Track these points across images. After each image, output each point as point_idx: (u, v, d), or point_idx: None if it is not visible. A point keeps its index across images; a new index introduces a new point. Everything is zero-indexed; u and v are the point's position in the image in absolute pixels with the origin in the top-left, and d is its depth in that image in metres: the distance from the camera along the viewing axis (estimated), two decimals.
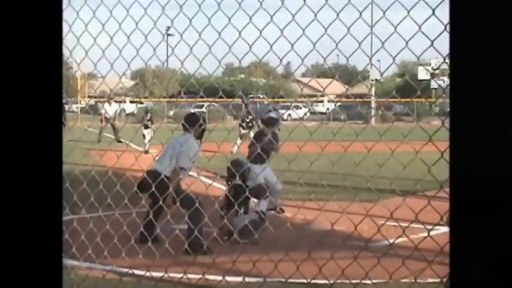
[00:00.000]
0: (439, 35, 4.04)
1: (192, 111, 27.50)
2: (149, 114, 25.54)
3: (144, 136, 22.97)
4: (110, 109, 28.30)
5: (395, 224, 5.25)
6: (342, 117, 47.91)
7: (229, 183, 8.50)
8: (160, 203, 6.27)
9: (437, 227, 4.68)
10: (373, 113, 50.16)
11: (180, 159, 8.18)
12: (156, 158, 8.47)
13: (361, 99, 54.39)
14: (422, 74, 54.52)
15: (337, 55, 4.60)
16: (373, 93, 57.04)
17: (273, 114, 10.71)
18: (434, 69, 49.46)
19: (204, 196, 6.10)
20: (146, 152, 18.46)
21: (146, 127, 24.19)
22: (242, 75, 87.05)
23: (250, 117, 19.74)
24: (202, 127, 8.31)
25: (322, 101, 62.44)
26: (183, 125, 8.50)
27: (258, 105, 53.14)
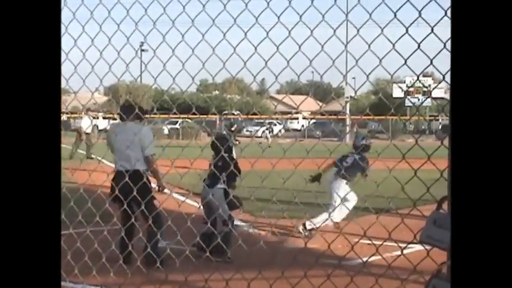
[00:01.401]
0: (412, 53, 4.05)
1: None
2: None
3: None
4: (86, 124, 28.04)
5: (369, 242, 5.22)
6: (317, 134, 47.99)
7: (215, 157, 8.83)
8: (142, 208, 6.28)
9: (411, 245, 4.66)
10: (347, 130, 50.40)
11: (149, 147, 8.61)
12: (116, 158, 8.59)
13: (335, 117, 54.61)
14: (397, 92, 55.07)
15: (312, 72, 4.59)
16: (347, 111, 57.36)
17: (365, 141, 11.02)
18: (408, 87, 49.92)
19: (177, 213, 6.03)
20: None
21: None
22: (216, 92, 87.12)
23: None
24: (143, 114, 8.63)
25: (297, 118, 62.54)
26: (120, 115, 8.99)
27: (234, 122, 53.27)
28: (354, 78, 39.11)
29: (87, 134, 27.63)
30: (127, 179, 6.22)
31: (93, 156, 23.41)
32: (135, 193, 5.67)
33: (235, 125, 24.10)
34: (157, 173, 8.63)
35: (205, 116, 45.90)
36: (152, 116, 27.24)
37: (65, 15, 4.83)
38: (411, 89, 53.56)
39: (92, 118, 28.88)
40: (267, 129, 45.88)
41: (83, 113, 29.08)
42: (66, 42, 4.86)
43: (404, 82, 50.35)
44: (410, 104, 51.43)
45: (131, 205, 6.52)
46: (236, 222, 9.59)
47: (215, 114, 53.82)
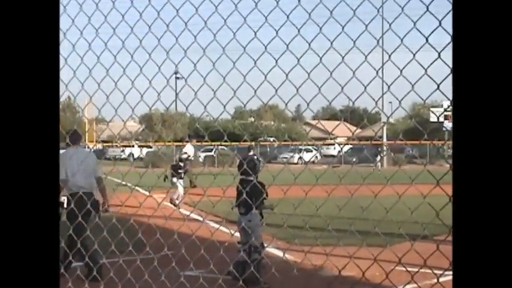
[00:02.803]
0: (445, 78, 3.99)
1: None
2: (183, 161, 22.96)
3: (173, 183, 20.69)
4: (191, 151, 27.63)
5: (404, 269, 5.13)
6: (354, 160, 47.53)
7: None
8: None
9: (447, 273, 4.57)
10: (383, 156, 49.92)
11: (98, 170, 9.63)
12: (66, 178, 9.29)
13: (370, 142, 54.21)
14: (434, 117, 54.47)
15: (348, 98, 4.55)
16: (384, 136, 57.01)
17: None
18: (444, 111, 49.45)
19: (210, 242, 6.00)
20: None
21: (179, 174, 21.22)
22: (252, 118, 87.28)
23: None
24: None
25: (333, 144, 62.19)
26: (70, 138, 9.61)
27: (268, 149, 53.12)
28: (390, 102, 38.95)
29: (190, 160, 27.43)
30: (80, 198, 7.09)
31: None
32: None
33: (186, 153, 23.84)
34: (105, 192, 9.52)
35: (238, 142, 46.03)
36: (184, 143, 27.34)
37: (97, 43, 4.88)
38: (448, 113, 53.08)
39: (194, 146, 28.60)
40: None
41: (185, 142, 28.59)
42: (98, 72, 4.90)
43: (442, 106, 49.80)
44: (447, 129, 50.95)
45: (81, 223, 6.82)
46: (270, 249, 9.54)
47: (249, 141, 53.88)
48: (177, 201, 19.65)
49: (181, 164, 21.88)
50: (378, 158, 46.57)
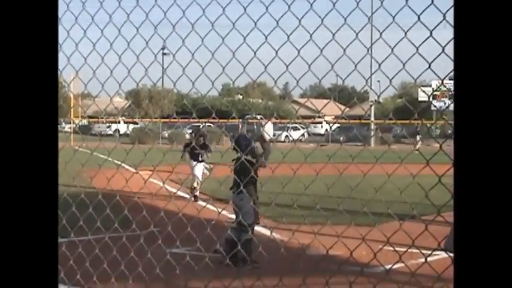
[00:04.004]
0: (436, 57, 3.94)
1: None
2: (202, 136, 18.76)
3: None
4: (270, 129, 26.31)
5: (392, 249, 5.12)
6: (341, 138, 47.51)
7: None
8: None
9: (435, 253, 4.56)
10: (372, 135, 49.91)
11: None
12: None
13: (359, 121, 54.10)
14: (423, 96, 54.28)
15: (336, 76, 4.50)
16: (372, 115, 56.94)
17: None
18: (434, 91, 49.38)
19: (197, 220, 5.96)
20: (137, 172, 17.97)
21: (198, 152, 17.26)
22: (239, 96, 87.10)
23: None
24: None
25: (320, 123, 62.03)
26: None
27: (255, 126, 52.94)
28: (378, 81, 38.79)
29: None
30: None
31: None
32: None
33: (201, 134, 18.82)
34: None
35: (226, 120, 45.78)
36: (171, 120, 27.15)
37: (83, 17, 4.79)
38: (437, 93, 52.99)
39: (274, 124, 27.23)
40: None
41: (265, 119, 27.36)
42: (84, 46, 4.82)
43: (431, 86, 49.66)
44: (435, 108, 50.78)
45: None
46: (257, 228, 9.51)
47: (237, 118, 53.70)
48: (197, 193, 15.70)
49: (205, 143, 17.04)
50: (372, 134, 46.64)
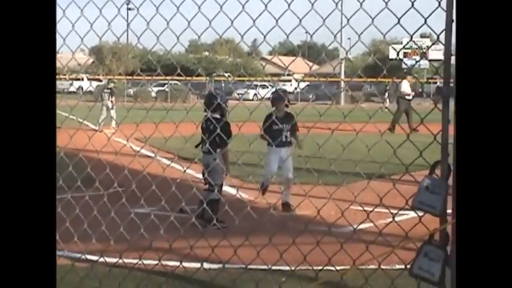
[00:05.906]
0: (405, 13, 3.86)
1: None
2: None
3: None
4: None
5: (360, 208, 5.07)
6: (310, 97, 47.26)
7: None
8: None
9: (403, 212, 4.52)
10: (342, 93, 49.91)
11: None
12: None
13: (329, 79, 53.92)
14: (394, 53, 54.09)
15: (306, 33, 4.38)
16: (342, 73, 56.84)
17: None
18: (404, 48, 49.26)
19: (162, 178, 5.85)
20: (101, 131, 18.61)
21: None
22: (206, 53, 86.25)
23: None
24: None
25: (289, 81, 61.60)
26: None
27: (223, 84, 52.56)
28: (349, 39, 38.58)
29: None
30: None
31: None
32: None
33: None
34: None
35: (192, 77, 45.34)
36: (136, 77, 26.88)
37: None
38: (408, 51, 52.84)
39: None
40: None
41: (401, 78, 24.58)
42: None
43: (402, 43, 49.37)
44: (406, 66, 50.68)
45: None
46: (225, 188, 9.44)
47: (204, 76, 53.28)
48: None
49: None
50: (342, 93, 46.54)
